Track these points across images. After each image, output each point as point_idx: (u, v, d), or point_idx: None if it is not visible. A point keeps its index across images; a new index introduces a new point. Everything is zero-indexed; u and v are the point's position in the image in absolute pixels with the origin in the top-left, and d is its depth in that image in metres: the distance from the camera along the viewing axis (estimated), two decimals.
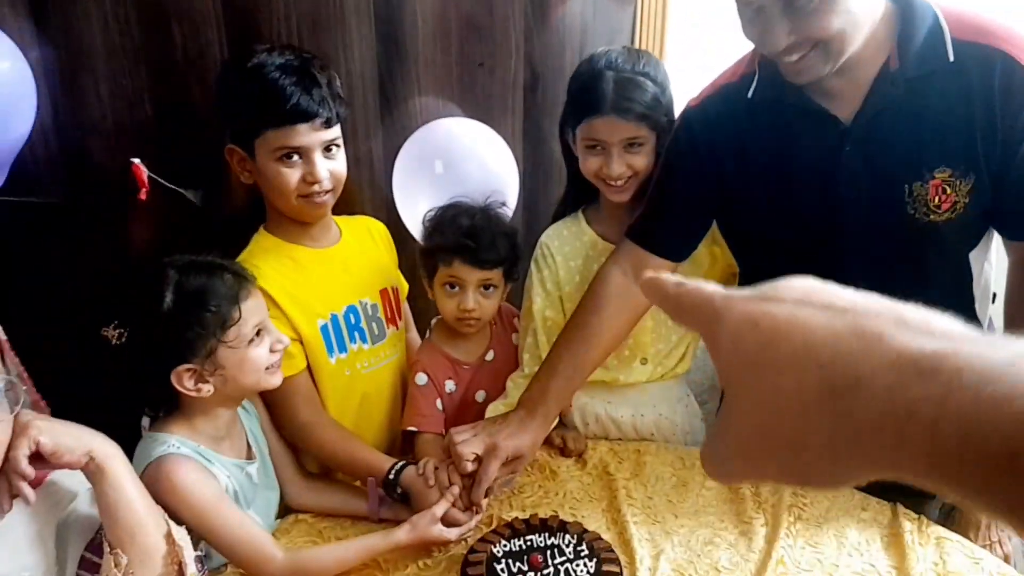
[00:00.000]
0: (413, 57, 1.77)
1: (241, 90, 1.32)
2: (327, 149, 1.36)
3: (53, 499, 0.97)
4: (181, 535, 0.99)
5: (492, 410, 1.48)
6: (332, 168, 1.36)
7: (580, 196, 1.54)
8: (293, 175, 1.33)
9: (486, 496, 1.24)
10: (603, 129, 1.37)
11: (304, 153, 1.33)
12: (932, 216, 1.15)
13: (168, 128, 1.61)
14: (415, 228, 1.66)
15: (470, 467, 1.22)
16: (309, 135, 1.32)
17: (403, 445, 1.52)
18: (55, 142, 1.60)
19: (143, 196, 1.43)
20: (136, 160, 1.44)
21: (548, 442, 1.51)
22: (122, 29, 1.60)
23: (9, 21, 1.51)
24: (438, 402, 1.51)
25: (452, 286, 1.47)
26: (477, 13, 1.81)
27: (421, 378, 1.51)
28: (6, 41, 1.46)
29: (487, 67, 1.85)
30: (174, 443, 1.14)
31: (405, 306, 1.63)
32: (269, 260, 1.30)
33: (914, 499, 1.31)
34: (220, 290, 1.13)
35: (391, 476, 1.29)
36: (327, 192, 1.37)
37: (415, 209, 1.65)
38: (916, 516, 1.27)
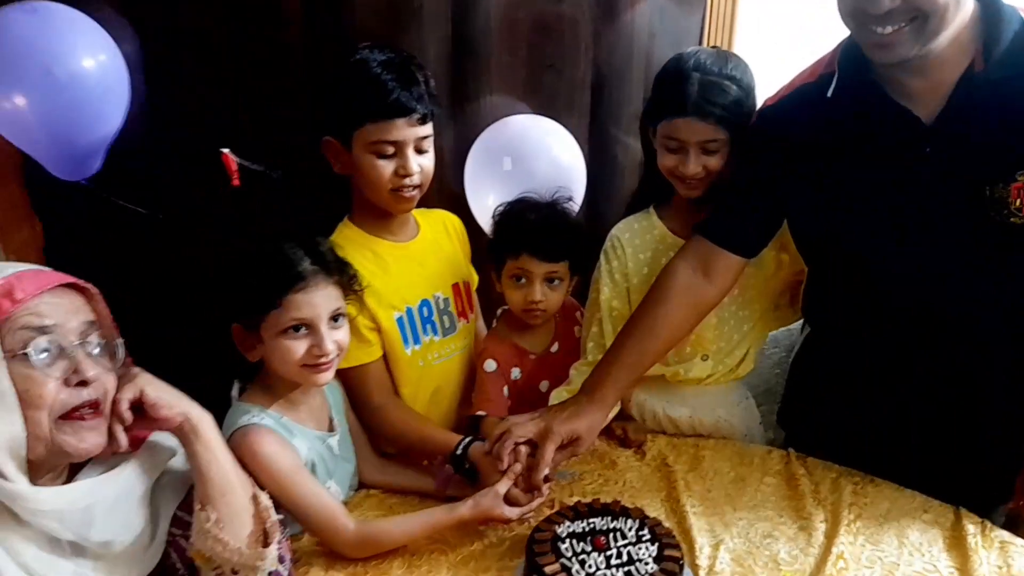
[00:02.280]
0: (484, 57, 1.82)
1: (344, 84, 1.39)
2: (420, 145, 1.41)
3: (152, 460, 1.03)
4: (265, 499, 1.05)
5: (555, 396, 1.52)
6: (423, 164, 1.42)
7: (654, 190, 1.57)
8: (387, 168, 1.39)
9: (546, 481, 1.27)
10: (683, 129, 1.39)
11: (399, 147, 1.38)
12: (1013, 218, 1.15)
13: (253, 119, 1.69)
14: (485, 222, 1.71)
15: (506, 459, 1.23)
16: (405, 130, 1.37)
17: (468, 431, 1.57)
18: (146, 132, 1.69)
19: (236, 183, 1.51)
20: (226, 150, 1.52)
21: (608, 432, 1.55)
22: (208, 25, 1.68)
23: (104, 12, 1.59)
24: (505, 389, 1.56)
25: (519, 278, 1.52)
26: (547, 14, 1.86)
27: (490, 364, 1.56)
28: (102, 34, 1.55)
29: (555, 68, 1.89)
30: (257, 413, 1.20)
31: (475, 298, 1.68)
32: (351, 251, 1.36)
33: (978, 505, 1.31)
34: (278, 273, 1.18)
35: (458, 451, 1.34)
36: (416, 187, 1.43)
37: (485, 203, 1.70)
38: (979, 520, 1.27)
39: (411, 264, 1.52)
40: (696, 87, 1.37)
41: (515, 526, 1.26)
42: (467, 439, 1.36)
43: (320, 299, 1.20)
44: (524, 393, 1.59)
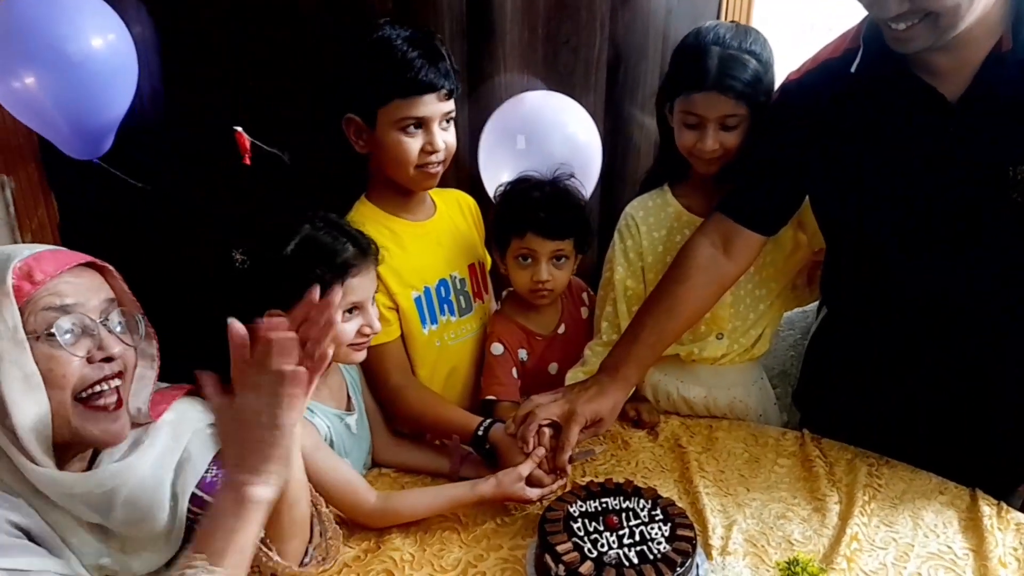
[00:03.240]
0: (500, 34, 1.80)
1: (368, 61, 1.37)
2: (444, 121, 1.41)
3: (175, 440, 1.04)
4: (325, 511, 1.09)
5: (571, 377, 1.52)
6: (447, 139, 1.42)
7: (670, 168, 1.55)
8: (414, 144, 1.38)
9: (570, 462, 1.27)
10: (702, 104, 1.37)
11: (425, 123, 1.38)
12: None
13: (264, 100, 1.68)
14: None
15: (531, 441, 1.24)
16: (433, 105, 1.37)
17: (482, 414, 1.57)
18: (155, 112, 1.69)
19: (247, 161, 1.51)
20: (239, 128, 1.52)
21: (622, 414, 1.54)
22: (220, 5, 1.67)
23: None
24: (514, 371, 1.56)
25: (525, 258, 1.52)
26: None
27: (497, 348, 1.56)
28: (112, 14, 1.55)
29: (571, 45, 1.87)
30: None
31: (488, 279, 1.68)
32: (368, 230, 1.36)
33: (994, 487, 1.30)
34: (336, 257, 1.20)
35: (480, 432, 1.34)
36: (440, 163, 1.43)
37: (499, 183, 1.68)
38: (995, 501, 1.26)
39: (429, 243, 1.52)
40: (716, 61, 1.35)
41: (528, 506, 1.27)
42: (488, 421, 1.36)
43: (369, 282, 1.25)
44: (533, 375, 1.59)
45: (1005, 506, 1.25)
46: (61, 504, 0.92)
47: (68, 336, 0.89)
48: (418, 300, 1.47)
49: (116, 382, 0.94)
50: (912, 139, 1.19)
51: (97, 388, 0.92)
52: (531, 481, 1.23)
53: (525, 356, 1.58)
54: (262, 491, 0.85)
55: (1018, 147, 1.12)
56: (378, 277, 1.34)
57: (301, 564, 1.06)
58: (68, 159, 1.58)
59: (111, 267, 0.99)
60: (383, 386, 1.44)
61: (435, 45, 1.39)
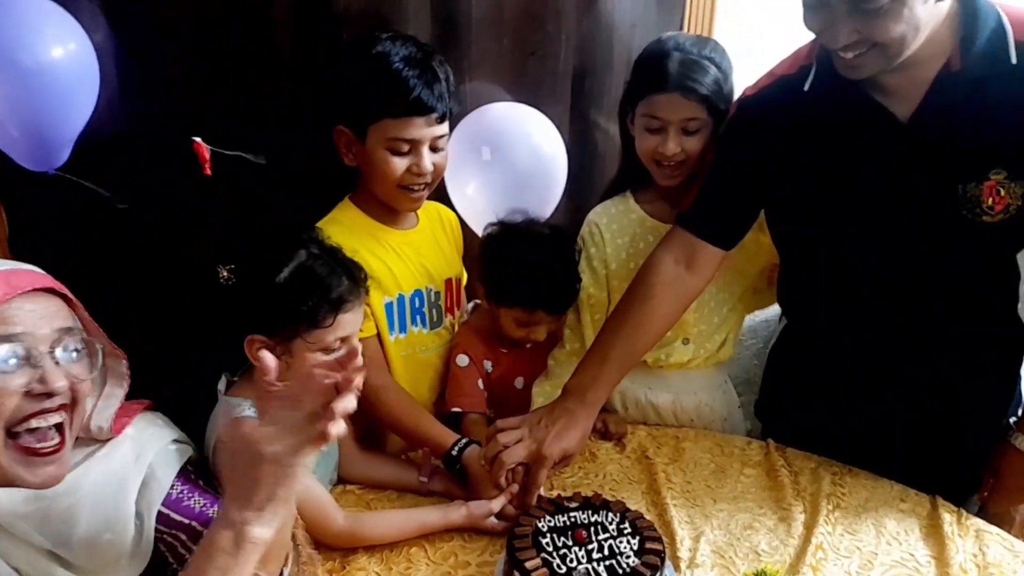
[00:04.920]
0: (466, 44, 1.79)
1: (363, 76, 1.35)
2: (436, 144, 1.39)
3: (138, 450, 1.01)
4: (302, 537, 1.04)
5: (538, 392, 1.51)
6: (436, 162, 1.40)
7: (632, 178, 1.56)
8: (400, 165, 1.37)
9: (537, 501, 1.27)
10: (664, 106, 1.38)
11: (414, 146, 1.36)
12: (984, 217, 1.16)
13: (229, 110, 1.65)
14: (465, 212, 1.69)
15: (504, 483, 1.24)
16: (423, 129, 1.35)
17: (448, 426, 1.55)
18: (116, 122, 1.65)
19: (207, 172, 1.47)
20: (197, 138, 1.48)
21: None
22: (184, 12, 1.64)
23: (76, 2, 1.54)
24: (480, 382, 1.55)
25: (526, 324, 1.51)
26: (531, 2, 1.83)
27: (463, 359, 1.55)
28: (72, 22, 1.51)
29: (537, 56, 1.87)
30: (247, 408, 1.18)
31: (463, 295, 1.66)
32: (349, 230, 1.34)
33: (953, 494, 1.32)
34: (330, 291, 1.17)
35: (454, 452, 1.33)
36: (426, 185, 1.41)
37: (464, 193, 1.68)
38: (955, 508, 1.29)
39: (409, 253, 1.50)
40: (677, 64, 1.37)
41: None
42: (464, 441, 1.34)
43: (359, 316, 1.22)
44: (499, 388, 1.58)
45: (965, 513, 1.27)
46: (11, 530, 0.88)
47: (6, 364, 0.83)
48: (389, 306, 1.45)
49: (56, 418, 0.88)
50: (865, 157, 1.21)
51: (33, 424, 0.86)
52: (501, 515, 1.23)
53: (490, 368, 1.57)
54: (261, 531, 0.80)
55: (967, 165, 1.15)
56: None
57: None
58: (19, 168, 1.53)
59: (70, 295, 0.94)
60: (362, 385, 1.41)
61: (433, 66, 1.37)
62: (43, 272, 0.93)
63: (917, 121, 1.16)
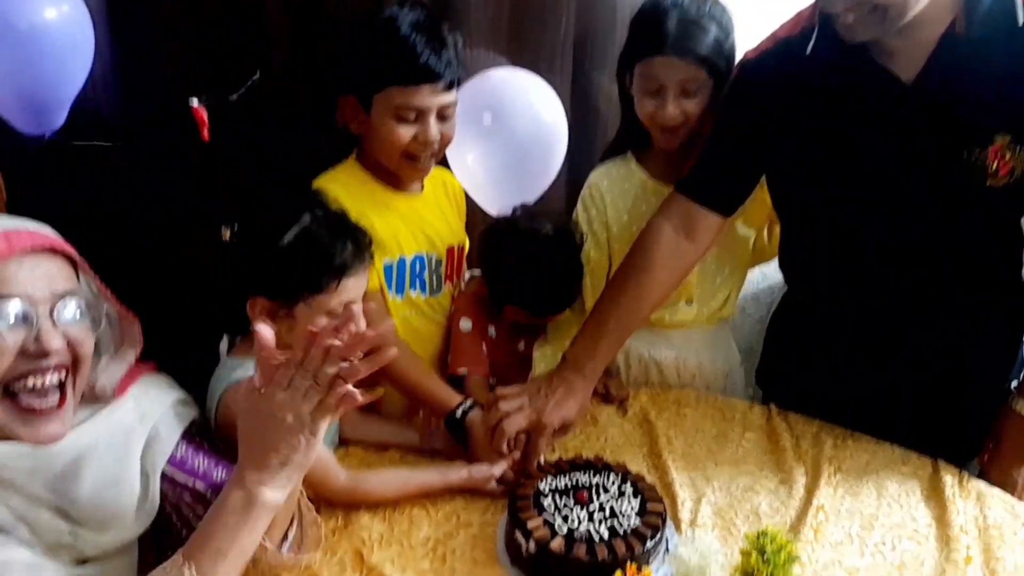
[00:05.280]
0: (465, 10, 1.77)
1: (370, 43, 1.33)
2: (443, 112, 1.37)
3: (142, 409, 1.01)
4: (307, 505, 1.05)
5: (539, 356, 1.51)
6: (444, 131, 1.38)
7: (632, 139, 1.54)
8: (406, 134, 1.34)
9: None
10: (661, 69, 1.36)
11: (421, 114, 1.34)
12: (989, 181, 1.14)
13: (223, 70, 1.63)
14: (465, 181, 1.67)
15: (506, 450, 1.25)
16: (430, 97, 1.33)
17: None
18: (111, 84, 1.63)
19: (206, 137, 1.46)
20: (194, 101, 1.47)
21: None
22: None
23: None
24: (483, 346, 1.55)
25: (520, 322, 1.51)
26: None
27: (465, 323, 1.54)
28: None
29: (538, 20, 1.85)
30: (250, 368, 1.18)
31: (464, 264, 1.65)
32: (351, 191, 1.32)
33: (954, 459, 1.32)
34: (334, 257, 1.15)
35: (457, 414, 1.32)
36: (432, 155, 1.39)
37: (464, 161, 1.66)
38: (957, 471, 1.28)
39: (413, 217, 1.49)
40: (675, 23, 1.34)
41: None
42: (468, 403, 1.34)
43: (363, 280, 1.21)
44: (502, 351, 1.58)
45: (966, 475, 1.27)
46: (17, 484, 0.88)
47: (2, 323, 0.83)
48: (388, 268, 1.44)
49: (54, 377, 0.88)
50: (868, 120, 1.19)
51: (30, 382, 0.86)
52: (501, 480, 1.24)
53: (494, 332, 1.57)
54: (273, 495, 0.81)
55: (972, 128, 1.13)
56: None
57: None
58: (15, 131, 1.52)
59: (75, 255, 0.93)
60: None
61: (441, 33, 1.34)
62: (49, 231, 0.93)
63: (921, 84, 1.14)
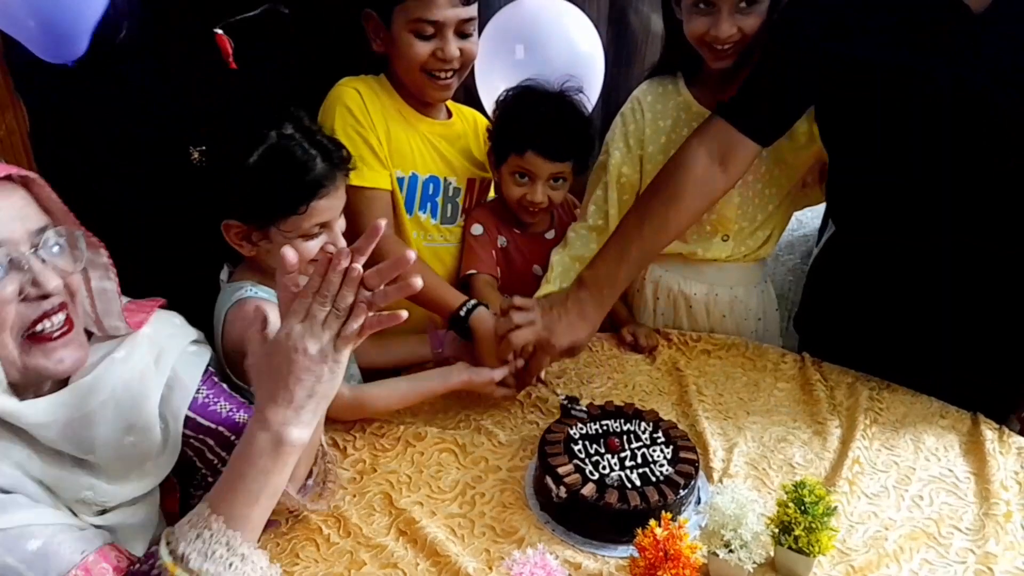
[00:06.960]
0: None
1: None
2: (462, 27, 1.34)
3: (158, 348, 0.98)
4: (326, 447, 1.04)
5: (557, 261, 1.49)
6: (464, 47, 1.35)
7: (678, 63, 1.48)
8: (424, 49, 1.33)
9: (538, 381, 1.31)
10: None
11: (439, 28, 1.32)
12: None
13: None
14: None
15: (509, 360, 1.25)
16: (447, 10, 1.30)
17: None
18: (133, 11, 1.57)
19: (233, 65, 1.41)
20: (219, 30, 1.42)
21: (619, 339, 1.52)
22: None
23: None
24: (493, 252, 1.54)
25: (521, 175, 1.47)
26: None
27: (477, 228, 1.54)
28: None
29: None
30: (250, 288, 1.16)
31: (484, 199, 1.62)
32: (377, 95, 1.32)
33: (992, 413, 1.29)
34: (304, 175, 1.10)
35: (461, 313, 1.31)
36: (453, 72, 1.36)
37: (495, 94, 1.60)
38: (997, 426, 1.25)
39: (433, 138, 1.46)
40: None
41: (523, 427, 1.26)
42: (472, 303, 1.32)
43: (338, 200, 1.16)
44: (517, 272, 1.56)
45: (1007, 430, 1.24)
46: (36, 439, 0.85)
47: None
48: (400, 181, 1.42)
49: (60, 316, 0.85)
50: (929, 52, 1.12)
51: (39, 327, 0.83)
52: (500, 383, 1.25)
53: (504, 243, 1.56)
54: (299, 433, 0.79)
55: None
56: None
57: (300, 491, 1.02)
58: (37, 62, 1.48)
59: (35, 176, 0.86)
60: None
61: None
62: None
63: (991, 15, 1.07)
